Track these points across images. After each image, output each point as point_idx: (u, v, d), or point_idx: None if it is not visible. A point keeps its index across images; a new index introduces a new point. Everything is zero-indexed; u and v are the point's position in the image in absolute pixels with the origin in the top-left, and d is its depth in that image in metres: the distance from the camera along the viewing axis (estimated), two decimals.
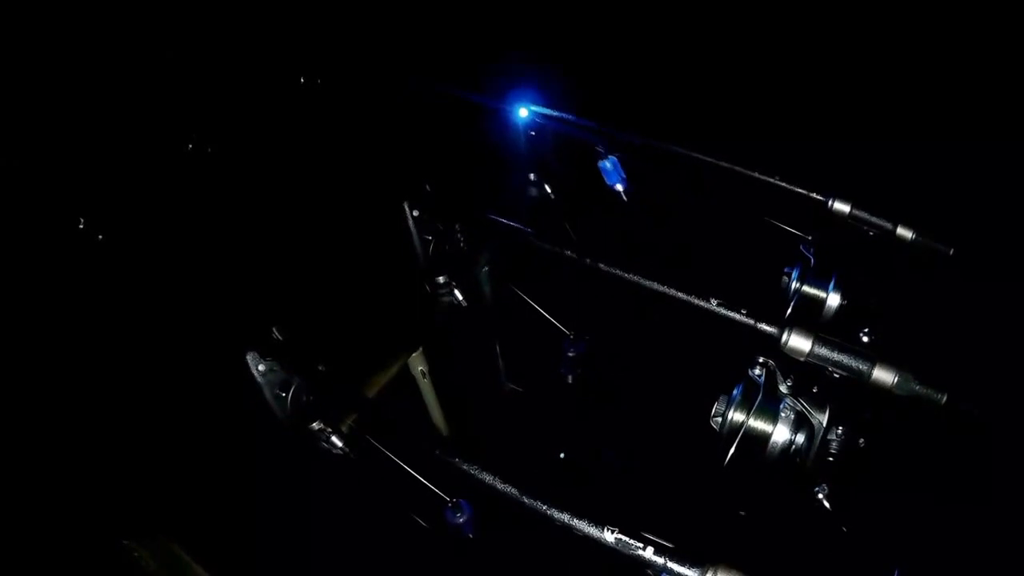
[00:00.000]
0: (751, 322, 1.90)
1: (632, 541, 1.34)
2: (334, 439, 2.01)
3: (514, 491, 1.43)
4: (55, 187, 2.71)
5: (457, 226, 2.46)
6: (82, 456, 2.73)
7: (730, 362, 1.99)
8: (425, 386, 2.67)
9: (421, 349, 2.62)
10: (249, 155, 2.99)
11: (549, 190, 2.75)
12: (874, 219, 2.38)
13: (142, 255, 2.60)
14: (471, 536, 2.32)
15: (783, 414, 1.90)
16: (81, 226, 2.65)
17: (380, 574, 2.84)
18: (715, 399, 1.97)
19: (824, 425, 1.90)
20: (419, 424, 2.57)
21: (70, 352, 2.77)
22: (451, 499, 2.23)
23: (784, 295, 2.32)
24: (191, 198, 2.86)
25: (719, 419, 1.95)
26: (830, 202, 2.39)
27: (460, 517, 2.25)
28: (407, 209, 2.38)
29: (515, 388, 3.24)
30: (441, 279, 2.49)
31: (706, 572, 1.32)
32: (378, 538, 2.80)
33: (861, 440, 1.97)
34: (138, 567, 2.51)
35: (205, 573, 2.53)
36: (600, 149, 2.52)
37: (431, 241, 2.44)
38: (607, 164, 2.53)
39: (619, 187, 2.56)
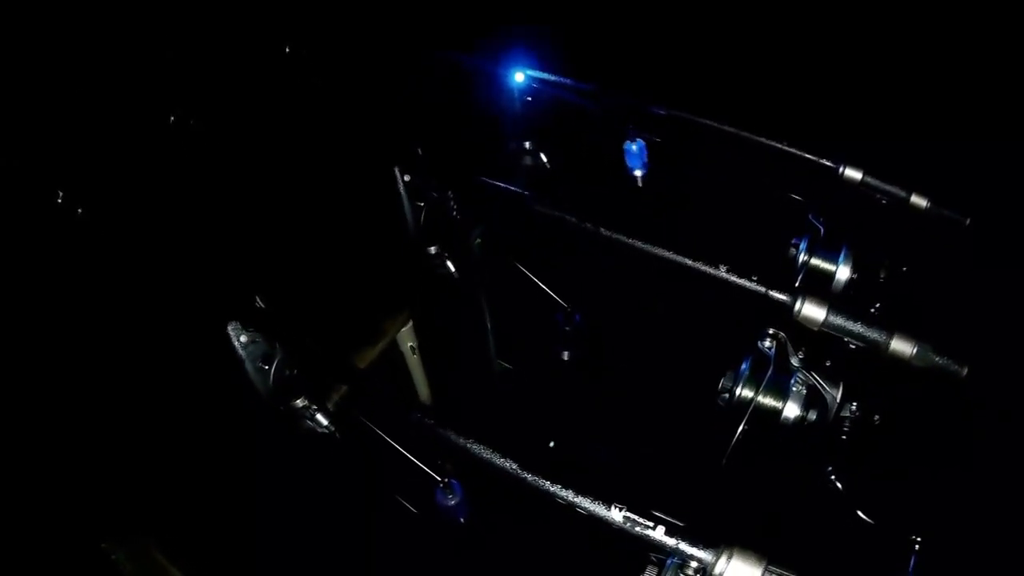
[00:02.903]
0: (762, 290, 1.81)
1: (642, 520, 1.24)
2: (319, 417, 1.90)
3: (513, 466, 1.32)
4: (33, 162, 2.60)
5: (450, 193, 2.35)
6: (60, 456, 2.69)
7: (737, 334, 1.92)
8: (414, 363, 2.56)
9: (411, 323, 2.51)
10: (233, 124, 2.88)
11: (545, 159, 2.64)
12: (887, 187, 2.28)
13: (123, 228, 2.49)
14: (462, 521, 2.24)
15: (794, 389, 1.82)
16: (60, 200, 2.54)
17: (365, 565, 2.75)
18: (721, 374, 1.88)
19: (838, 401, 1.83)
20: (407, 402, 2.46)
21: (50, 339, 2.73)
22: (442, 479, 2.15)
23: (792, 267, 2.22)
24: (173, 167, 2.76)
25: (726, 395, 1.86)
26: (841, 169, 2.29)
27: (451, 499, 2.17)
28: (397, 174, 2.27)
29: (507, 366, 3.14)
30: (432, 249, 2.38)
31: (721, 554, 1.21)
32: (364, 525, 2.73)
33: (876, 417, 1.89)
34: (116, 570, 2.47)
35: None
36: (629, 128, 2.43)
37: (422, 208, 2.33)
38: (632, 147, 2.46)
39: (638, 172, 2.48)
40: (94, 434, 2.72)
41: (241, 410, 2.03)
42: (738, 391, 1.83)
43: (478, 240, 2.60)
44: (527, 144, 2.64)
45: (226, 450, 2.75)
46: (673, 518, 1.27)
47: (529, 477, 1.30)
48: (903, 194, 2.27)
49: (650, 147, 2.50)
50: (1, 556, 2.51)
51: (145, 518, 2.60)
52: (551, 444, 2.82)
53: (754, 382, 1.82)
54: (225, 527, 2.70)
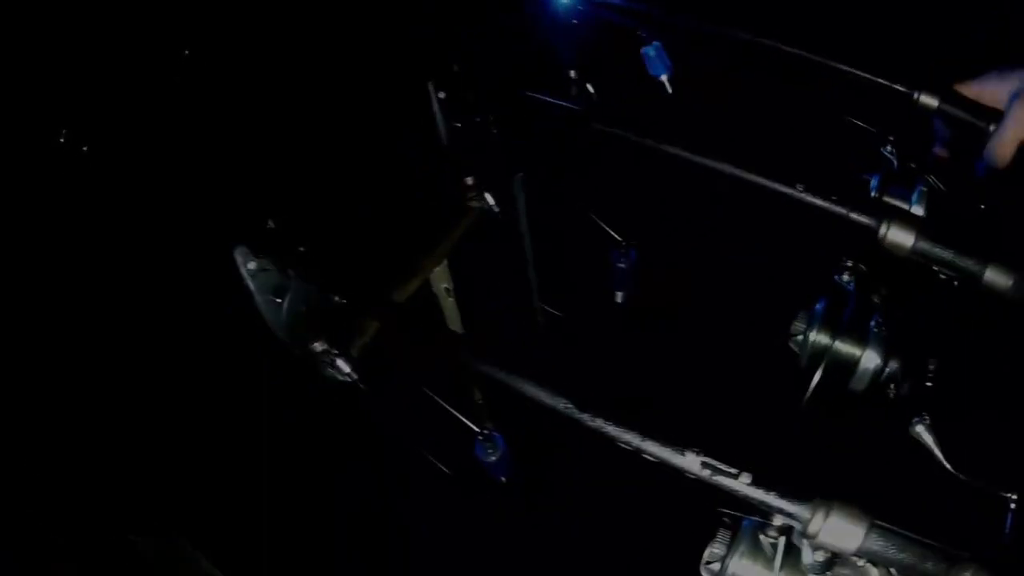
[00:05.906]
0: (843, 211, 1.60)
1: (722, 466, 1.04)
2: (340, 363, 1.71)
3: (569, 406, 1.12)
4: (34, 103, 2.51)
5: (490, 117, 2.18)
6: (83, 450, 2.67)
7: (811, 268, 1.83)
8: (449, 306, 2.38)
9: (446, 263, 2.33)
10: (253, 36, 2.71)
11: (592, 90, 2.45)
12: (967, 115, 2.06)
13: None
14: (503, 480, 2.08)
15: (875, 331, 1.67)
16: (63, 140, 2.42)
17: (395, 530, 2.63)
18: (792, 314, 1.76)
19: (920, 345, 1.70)
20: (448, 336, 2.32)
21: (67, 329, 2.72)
22: (483, 429, 1.97)
23: None
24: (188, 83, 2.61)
25: (799, 338, 1.74)
26: (916, 95, 2.06)
27: (493, 454, 2.00)
28: (432, 90, 2.08)
29: (552, 311, 2.97)
30: (470, 180, 2.21)
31: (817, 509, 1.01)
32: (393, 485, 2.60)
33: (963, 363, 1.77)
34: (143, 561, 2.50)
35: (211, 567, 2.50)
36: (643, 34, 2.26)
37: (459, 130, 2.15)
38: (650, 51, 2.30)
39: (663, 77, 2.32)
40: (115, 428, 2.68)
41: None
42: (812, 335, 1.68)
43: (520, 175, 2.43)
44: (572, 73, 2.44)
45: (245, 433, 2.72)
46: None
47: (587, 418, 1.11)
48: (983, 123, 2.04)
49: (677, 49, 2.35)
50: (29, 551, 2.48)
51: (171, 509, 2.59)
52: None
53: (830, 324, 1.68)
54: (248, 511, 2.66)
